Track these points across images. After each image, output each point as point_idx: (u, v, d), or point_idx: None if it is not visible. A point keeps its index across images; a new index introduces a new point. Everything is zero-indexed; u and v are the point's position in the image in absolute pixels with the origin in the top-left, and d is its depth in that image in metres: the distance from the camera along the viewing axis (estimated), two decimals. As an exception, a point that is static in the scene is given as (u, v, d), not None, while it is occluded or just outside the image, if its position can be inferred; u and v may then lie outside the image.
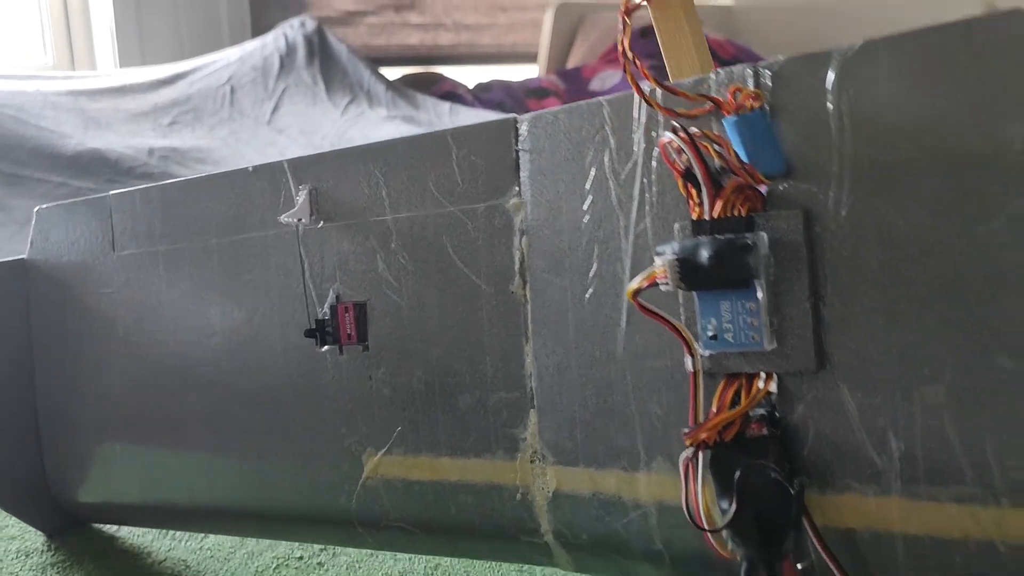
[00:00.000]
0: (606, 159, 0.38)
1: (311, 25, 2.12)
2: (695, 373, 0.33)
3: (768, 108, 0.31)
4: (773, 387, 0.32)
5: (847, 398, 0.30)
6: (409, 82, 2.25)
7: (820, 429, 0.31)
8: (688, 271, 0.32)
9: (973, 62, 0.27)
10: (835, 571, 0.30)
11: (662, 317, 0.33)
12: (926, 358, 0.29)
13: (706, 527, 0.32)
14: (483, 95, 2.28)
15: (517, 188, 0.42)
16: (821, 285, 0.31)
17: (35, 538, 0.74)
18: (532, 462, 0.42)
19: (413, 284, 0.45)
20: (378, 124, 1.93)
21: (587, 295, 0.39)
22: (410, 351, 0.45)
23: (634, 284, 0.33)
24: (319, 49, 2.09)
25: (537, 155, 0.41)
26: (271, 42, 2.09)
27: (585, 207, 0.39)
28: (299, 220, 0.48)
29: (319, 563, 0.71)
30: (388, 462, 0.45)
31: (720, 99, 0.33)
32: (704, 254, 0.31)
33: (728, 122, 0.32)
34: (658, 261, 0.32)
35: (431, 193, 0.44)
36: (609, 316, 0.39)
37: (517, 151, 0.41)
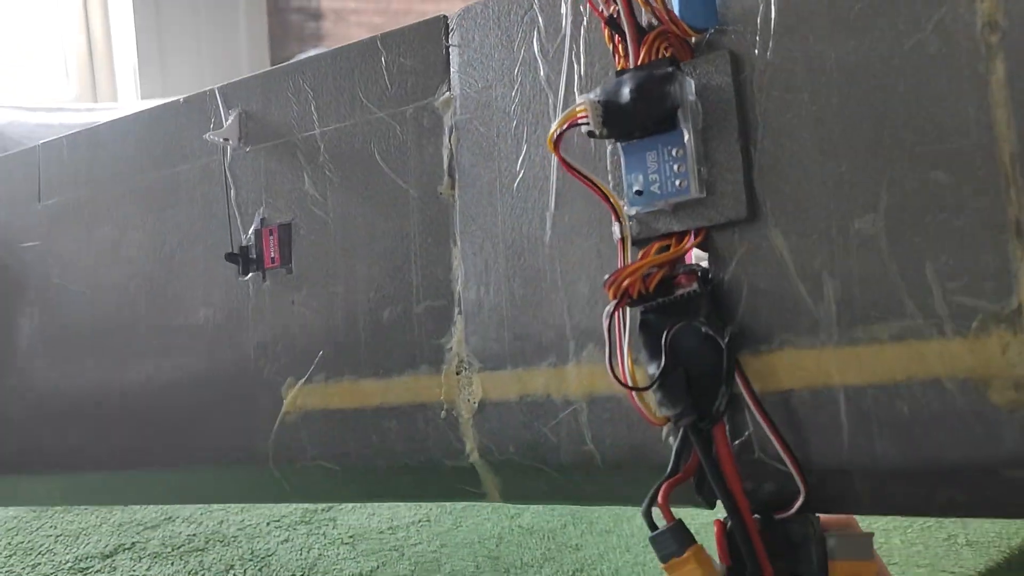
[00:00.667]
0: (535, 39, 0.38)
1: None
2: (622, 239, 0.32)
3: None
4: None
5: (781, 244, 0.29)
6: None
7: (754, 283, 0.30)
8: (611, 112, 0.30)
9: None
10: (771, 435, 0.28)
11: (584, 175, 0.32)
12: (860, 186, 0.28)
13: (631, 385, 0.31)
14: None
15: (447, 85, 0.41)
16: (752, 128, 0.30)
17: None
18: (458, 373, 0.40)
19: (340, 198, 0.44)
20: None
21: (516, 183, 0.39)
22: (335, 269, 0.43)
23: (554, 128, 0.31)
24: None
25: (466, 47, 0.41)
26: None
27: (514, 93, 0.39)
28: (226, 140, 0.46)
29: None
30: (308, 391, 0.42)
31: None
32: (625, 91, 0.30)
33: None
34: (580, 99, 0.31)
35: (360, 101, 0.43)
36: (538, 201, 0.38)
37: (447, 47, 0.41)
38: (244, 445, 0.43)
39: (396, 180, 0.42)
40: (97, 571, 0.76)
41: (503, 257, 0.39)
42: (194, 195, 0.48)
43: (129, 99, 2.10)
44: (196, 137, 0.48)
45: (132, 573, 0.76)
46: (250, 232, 0.45)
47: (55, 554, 0.78)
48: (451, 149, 0.41)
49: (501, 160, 0.39)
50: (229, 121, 0.46)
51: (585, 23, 0.36)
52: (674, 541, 0.30)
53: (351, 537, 0.82)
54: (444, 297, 0.40)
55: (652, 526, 0.30)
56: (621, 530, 0.38)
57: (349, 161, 0.44)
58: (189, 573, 0.76)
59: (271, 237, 0.45)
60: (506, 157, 0.39)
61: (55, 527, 0.82)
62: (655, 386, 0.30)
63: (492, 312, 0.39)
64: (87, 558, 0.77)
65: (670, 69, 0.30)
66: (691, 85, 0.31)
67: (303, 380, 0.42)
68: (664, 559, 0.30)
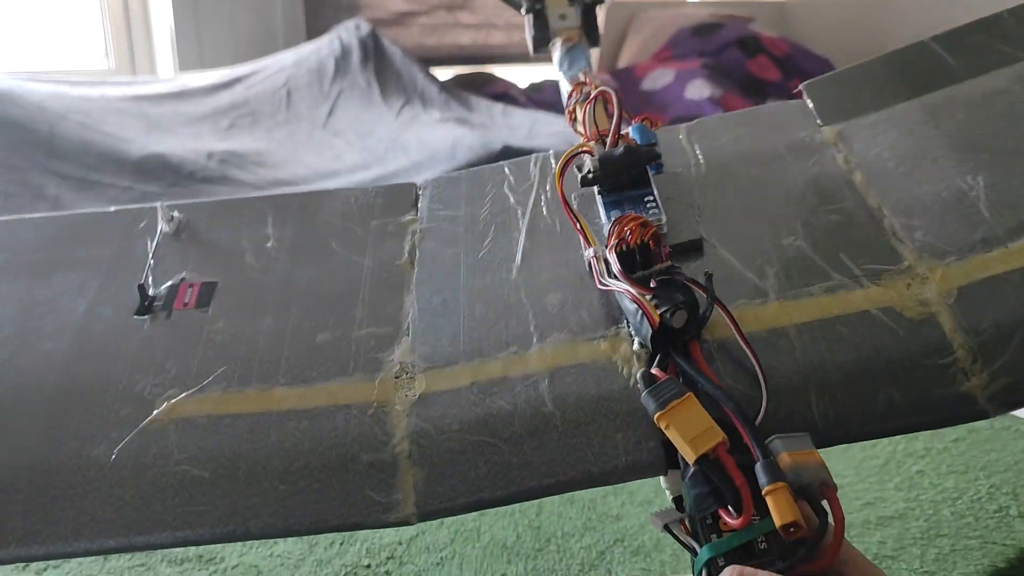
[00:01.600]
0: (504, 184, 0.48)
1: (365, 28, 2.14)
2: (595, 258, 0.40)
3: None
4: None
5: (725, 254, 0.41)
6: (461, 83, 2.26)
7: (714, 274, 0.38)
8: (605, 163, 0.43)
9: None
10: (745, 347, 0.35)
11: (569, 205, 0.41)
12: (783, 224, 0.42)
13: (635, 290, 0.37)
14: (535, 95, 2.28)
15: (415, 211, 0.48)
16: (697, 201, 0.45)
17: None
18: (397, 377, 0.39)
19: (284, 268, 0.46)
20: (432, 127, 1.94)
21: (480, 254, 0.44)
22: (264, 309, 0.43)
23: (561, 160, 0.43)
24: (373, 52, 2.11)
25: (436, 191, 0.50)
26: (326, 45, 2.11)
27: (483, 210, 0.47)
28: (160, 230, 0.48)
29: (386, 571, 0.73)
30: (195, 400, 0.38)
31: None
32: (617, 152, 0.43)
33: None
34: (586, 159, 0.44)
35: (324, 222, 0.49)
36: (503, 261, 0.43)
37: (417, 193, 0.50)
38: (75, 453, 0.37)
39: (351, 257, 0.45)
40: (141, 536, 0.77)
41: (464, 294, 0.42)
42: (103, 267, 0.47)
43: (167, 70, 2.10)
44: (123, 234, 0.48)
45: (175, 538, 0.76)
46: (163, 287, 0.45)
47: (100, 519, 0.79)
48: (413, 243, 0.46)
49: (466, 245, 0.45)
50: (170, 224, 0.48)
51: (550, 177, 0.48)
52: (673, 387, 0.33)
53: (391, 505, 0.82)
54: (391, 325, 0.41)
55: (649, 382, 0.34)
56: (663, 500, 0.37)
57: (302, 249, 0.47)
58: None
59: (189, 289, 0.44)
60: (471, 243, 0.45)
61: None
62: (651, 295, 0.37)
63: (447, 327, 0.40)
64: (131, 523, 0.78)
65: (652, 153, 0.45)
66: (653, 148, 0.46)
67: (192, 390, 0.39)
68: (663, 405, 0.33)
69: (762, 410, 0.34)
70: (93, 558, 0.74)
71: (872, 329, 0.37)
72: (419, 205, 0.49)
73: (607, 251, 0.39)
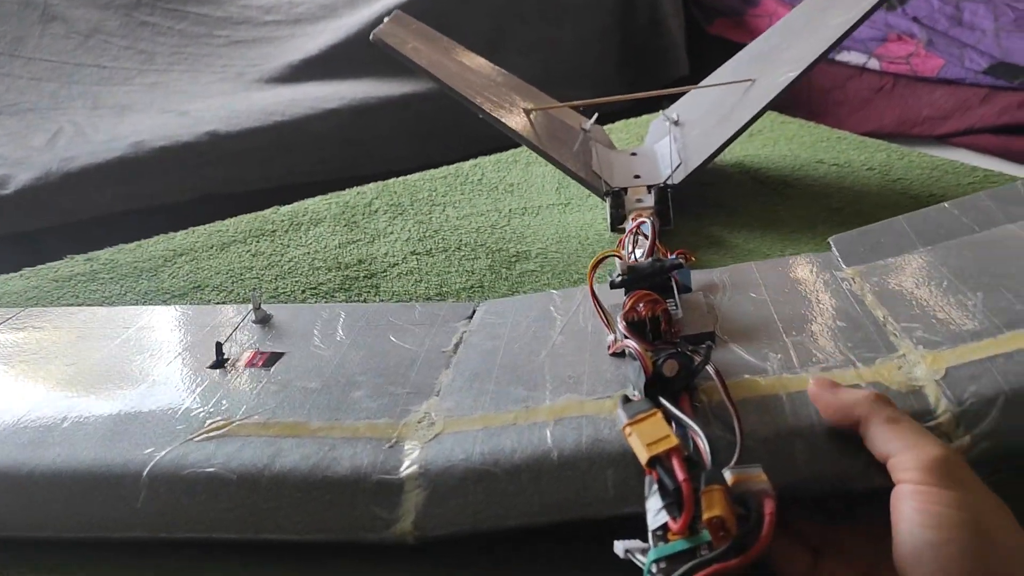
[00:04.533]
0: (550, 304, 0.55)
1: None
2: (614, 342, 0.46)
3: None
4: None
5: (737, 348, 0.45)
6: None
7: (720, 361, 0.43)
8: (633, 272, 0.49)
9: None
10: (726, 399, 0.38)
11: (597, 300, 0.48)
12: (792, 327, 0.46)
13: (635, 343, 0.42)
14: None
15: (468, 322, 0.56)
16: (718, 309, 0.50)
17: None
18: (419, 422, 0.44)
19: (344, 351, 0.53)
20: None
21: (516, 346, 0.51)
22: (318, 374, 0.50)
23: (595, 258, 0.49)
24: None
25: (490, 310, 0.57)
26: None
27: (526, 320, 0.54)
28: (247, 316, 0.58)
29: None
30: (238, 424, 0.45)
31: None
32: (646, 264, 0.50)
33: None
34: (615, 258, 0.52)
35: (388, 324, 0.57)
36: (535, 350, 0.49)
37: (473, 310, 0.58)
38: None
39: (404, 346, 0.53)
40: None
41: (495, 370, 0.48)
42: (195, 341, 0.56)
43: None
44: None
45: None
46: (237, 352, 0.53)
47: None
48: (460, 338, 0.53)
49: (505, 340, 0.52)
50: (257, 314, 0.58)
51: (588, 301, 0.52)
52: (645, 405, 0.37)
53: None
54: (425, 390, 0.47)
55: (625, 402, 0.38)
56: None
57: (364, 340, 0.54)
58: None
59: (260, 355, 0.52)
60: (511, 339, 0.52)
61: (77, 297, 0.77)
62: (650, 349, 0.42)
63: (473, 392, 0.46)
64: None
65: (676, 263, 0.51)
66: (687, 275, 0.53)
67: (235, 419, 0.45)
68: (631, 416, 0.36)
69: (737, 448, 0.36)
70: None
71: None
72: (473, 317, 0.56)
73: (619, 318, 0.44)
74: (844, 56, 1.49)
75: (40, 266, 0.80)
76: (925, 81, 1.40)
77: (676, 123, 0.89)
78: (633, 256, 0.55)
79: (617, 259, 0.50)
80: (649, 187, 0.78)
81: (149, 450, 0.43)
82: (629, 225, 0.62)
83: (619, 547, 0.33)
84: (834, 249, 0.57)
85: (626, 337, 0.43)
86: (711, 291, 0.52)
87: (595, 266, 0.48)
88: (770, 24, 1.55)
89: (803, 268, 0.55)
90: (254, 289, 0.59)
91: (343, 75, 1.49)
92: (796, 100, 1.55)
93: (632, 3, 1.74)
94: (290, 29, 1.57)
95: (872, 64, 1.44)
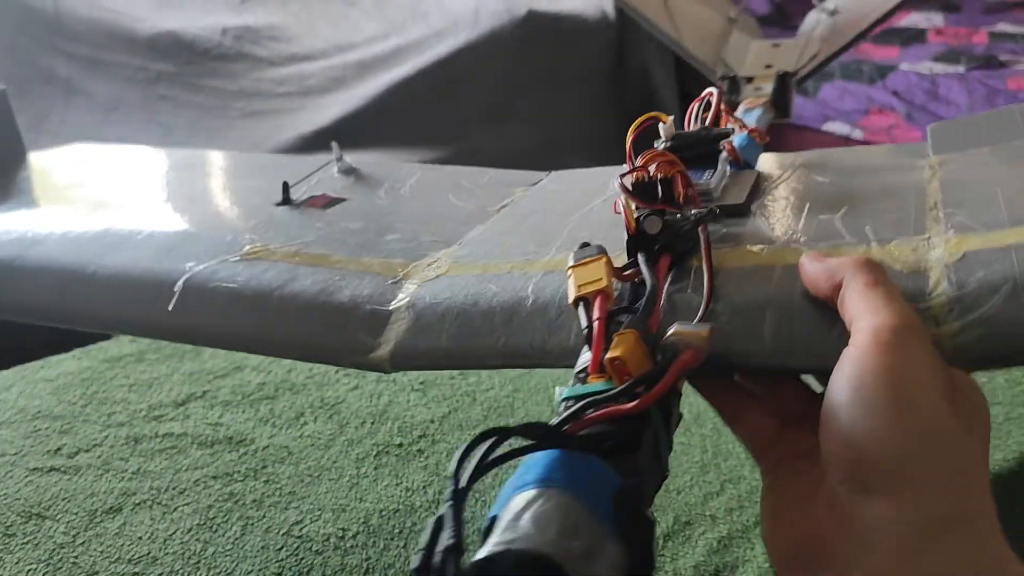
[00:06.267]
0: (613, 180, 0.51)
1: None
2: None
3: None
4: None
5: (762, 222, 0.43)
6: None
7: (733, 231, 0.42)
8: (681, 139, 0.46)
9: None
10: (704, 266, 0.37)
11: (631, 152, 0.43)
12: (826, 205, 0.43)
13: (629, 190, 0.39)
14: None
15: (528, 188, 0.57)
16: (766, 187, 0.48)
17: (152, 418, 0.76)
18: (430, 265, 0.46)
19: (402, 203, 0.55)
20: (453, -8, 1.83)
21: (555, 211, 0.50)
22: (367, 218, 0.52)
23: (635, 124, 0.44)
24: (388, -86, 1.98)
25: (555, 181, 0.57)
26: (338, -92, 1.99)
27: (581, 187, 0.53)
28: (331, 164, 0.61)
29: (419, 450, 0.71)
30: (270, 250, 0.48)
31: None
32: (697, 131, 0.48)
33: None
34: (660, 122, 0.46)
35: None
36: (569, 214, 0.49)
37: (542, 178, 0.58)
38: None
39: (457, 203, 0.55)
40: (171, 418, 0.76)
41: (522, 228, 0.49)
42: (273, 183, 0.59)
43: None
44: None
45: (204, 419, 0.75)
46: (306, 195, 0.57)
47: (129, 403, 0.78)
48: (512, 200, 0.54)
49: (550, 204, 0.52)
50: (340, 164, 0.61)
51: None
52: (595, 250, 0.36)
53: (421, 384, 0.80)
54: (452, 239, 0.49)
55: (582, 245, 0.37)
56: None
57: (425, 195, 0.57)
58: (259, 420, 0.75)
59: (321, 199, 0.56)
60: (556, 204, 0.52)
61: (128, 377, 0.82)
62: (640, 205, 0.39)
63: (492, 244, 0.47)
64: (160, 406, 0.77)
65: (724, 132, 0.47)
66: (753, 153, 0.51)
67: (271, 245, 0.49)
68: (578, 259, 0.36)
69: (701, 309, 0.35)
70: (124, 442, 0.73)
71: None
72: (537, 184, 0.56)
73: (622, 176, 0.41)
74: (829, 126, 1.57)
75: (90, 346, 0.86)
76: (906, 151, 1.48)
77: (832, 13, 0.86)
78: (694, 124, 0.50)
79: (661, 124, 0.46)
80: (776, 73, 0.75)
81: (190, 264, 0.47)
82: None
83: (557, 393, 0.32)
84: (928, 136, 0.52)
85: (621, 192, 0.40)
86: (777, 170, 0.50)
87: (636, 128, 0.44)
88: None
89: (888, 155, 0.52)
90: (334, 142, 0.61)
91: (353, 145, 1.56)
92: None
93: (626, 76, 1.83)
94: (301, 101, 1.64)
95: (856, 134, 1.52)
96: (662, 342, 0.30)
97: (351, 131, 1.57)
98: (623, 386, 0.28)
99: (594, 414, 0.27)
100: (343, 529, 0.63)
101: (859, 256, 0.33)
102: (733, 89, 0.76)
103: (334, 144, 0.61)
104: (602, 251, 0.36)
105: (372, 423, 0.75)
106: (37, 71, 1.54)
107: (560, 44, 1.76)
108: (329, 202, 0.55)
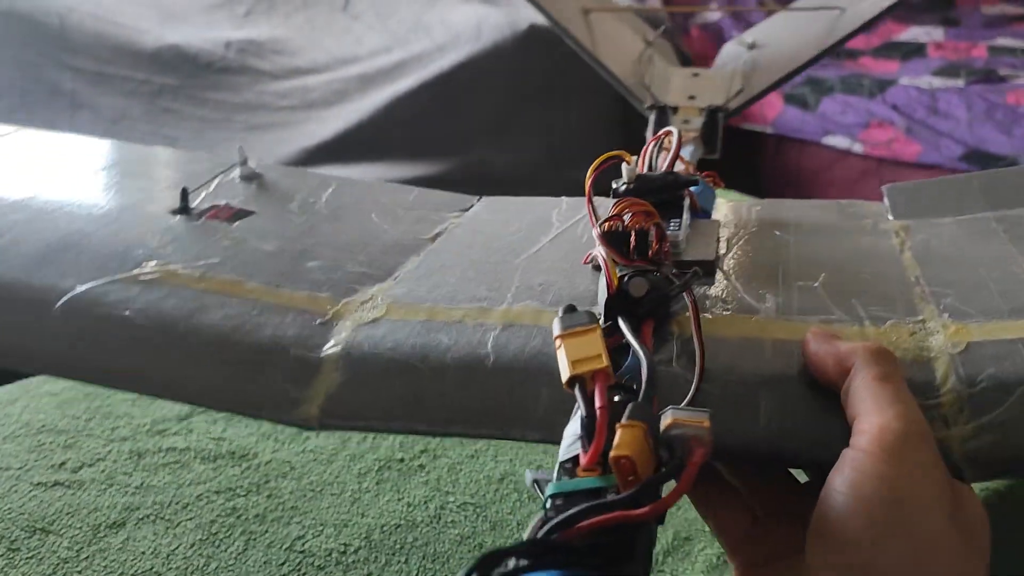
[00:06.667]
0: (556, 210, 0.51)
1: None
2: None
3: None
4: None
5: (736, 283, 0.40)
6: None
7: (710, 294, 0.39)
8: (641, 182, 0.42)
9: None
10: (696, 339, 0.34)
11: (590, 198, 0.41)
12: (802, 272, 0.40)
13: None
14: (563, -31, 2.16)
15: (461, 214, 0.52)
16: (731, 241, 0.45)
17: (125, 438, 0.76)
18: (363, 303, 0.40)
19: (316, 220, 0.49)
20: (455, 6, 1.85)
21: (499, 244, 0.47)
22: (278, 236, 0.46)
23: (594, 165, 0.41)
24: (391, -73, 2.00)
25: (488, 209, 0.54)
26: (341, -78, 2.01)
27: (524, 221, 0.50)
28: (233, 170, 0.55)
29: (420, 465, 0.72)
30: (170, 272, 0.42)
31: None
32: (657, 176, 0.44)
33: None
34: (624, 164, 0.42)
35: None
36: (518, 250, 0.45)
37: (474, 203, 0.54)
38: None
39: (382, 226, 0.49)
40: (174, 433, 0.76)
41: (464, 265, 0.44)
42: (170, 185, 0.54)
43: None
44: None
45: (207, 434, 0.76)
46: (206, 203, 0.50)
47: (132, 417, 0.78)
48: (446, 228, 0.50)
49: (490, 236, 0.48)
50: (243, 169, 0.54)
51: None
52: (585, 317, 0.32)
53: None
54: (384, 271, 0.43)
55: (567, 311, 0.33)
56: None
57: (343, 214, 0.51)
58: (262, 434, 0.76)
59: (224, 210, 0.49)
60: (496, 236, 0.48)
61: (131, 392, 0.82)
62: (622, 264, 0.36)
63: (433, 282, 0.42)
64: (164, 420, 0.78)
65: (691, 179, 0.44)
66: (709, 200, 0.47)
67: (170, 265, 0.42)
68: (566, 328, 0.31)
69: (692, 387, 0.32)
70: (127, 456, 0.74)
71: None
72: (469, 210, 0.52)
73: (596, 224, 0.38)
74: (830, 140, 1.58)
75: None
76: (906, 165, 1.48)
77: (751, 47, 0.84)
78: (648, 167, 0.46)
79: (624, 164, 0.42)
80: (701, 109, 0.72)
81: (70, 281, 0.40)
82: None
83: (528, 476, 0.30)
84: (885, 199, 0.50)
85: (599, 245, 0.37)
86: (734, 223, 0.47)
87: (596, 168, 0.41)
88: (760, 112, 1.64)
89: (845, 213, 0.49)
90: (240, 146, 0.54)
91: (355, 159, 1.57)
92: (787, 180, 1.64)
93: (629, 88, 1.84)
94: (304, 114, 1.65)
95: (856, 148, 1.53)
96: (664, 434, 0.27)
97: (354, 144, 1.59)
98: (633, 491, 0.25)
99: (595, 520, 0.24)
100: (345, 544, 0.63)
101: (872, 344, 0.31)
102: (662, 120, 0.72)
103: (240, 147, 0.55)
104: (593, 319, 0.32)
105: (374, 438, 0.75)
106: (43, 84, 1.55)
107: (562, 58, 1.78)
108: (235, 214, 0.48)
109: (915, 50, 1.69)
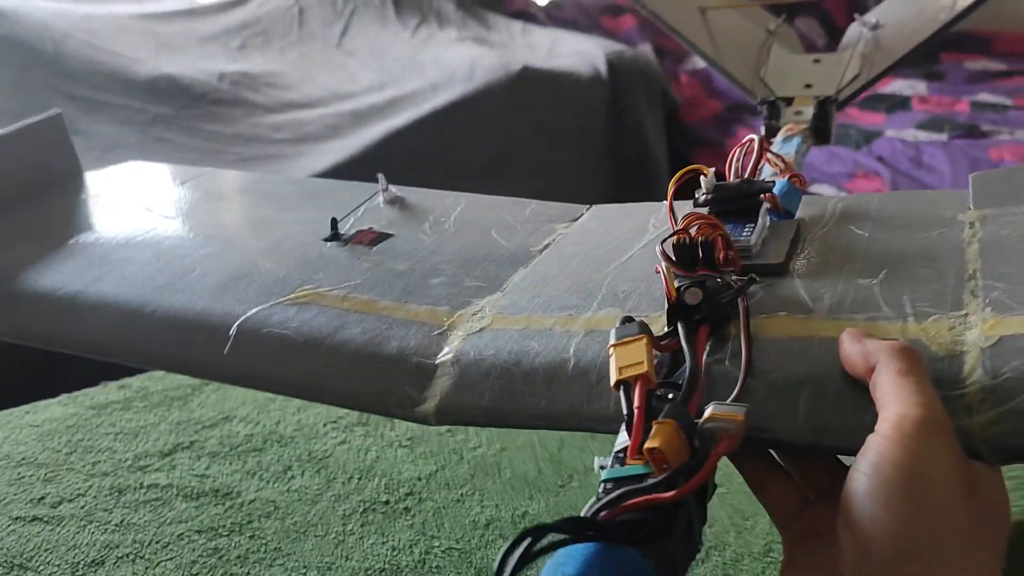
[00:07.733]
0: (653, 217, 0.54)
1: (377, -57, 2.05)
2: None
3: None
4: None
5: (798, 283, 0.42)
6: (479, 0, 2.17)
7: (772, 295, 0.41)
8: (720, 191, 0.46)
9: None
10: (743, 341, 0.37)
11: (672, 210, 0.45)
12: (868, 270, 0.42)
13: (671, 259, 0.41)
14: (555, 13, 2.19)
15: (570, 224, 0.56)
16: (798, 242, 0.46)
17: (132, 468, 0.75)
18: (474, 315, 0.46)
19: (445, 239, 0.56)
20: (449, 46, 1.87)
21: (598, 254, 0.50)
22: (411, 258, 0.53)
23: (675, 179, 0.45)
24: (387, -33, 2.03)
25: (595, 219, 0.57)
26: (338, -40, 2.03)
27: (622, 228, 0.53)
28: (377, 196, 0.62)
29: (405, 508, 0.71)
30: (319, 294, 0.49)
31: None
32: (734, 184, 0.47)
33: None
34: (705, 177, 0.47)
35: None
36: (611, 259, 0.49)
37: (584, 212, 0.58)
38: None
39: (499, 242, 0.55)
40: (156, 469, 0.76)
41: (563, 276, 0.48)
42: (322, 215, 0.61)
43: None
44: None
45: (190, 471, 0.75)
46: (353, 230, 0.57)
47: (115, 452, 0.78)
48: (553, 240, 0.54)
49: (592, 247, 0.52)
50: (385, 195, 0.62)
51: None
52: (635, 329, 0.37)
53: (409, 440, 0.80)
54: (494, 284, 0.49)
55: (623, 322, 0.38)
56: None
57: (467, 231, 0.57)
58: (247, 472, 0.75)
59: (366, 234, 0.56)
60: (597, 246, 0.52)
61: (114, 424, 0.81)
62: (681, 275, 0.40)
63: (534, 293, 0.47)
64: (146, 456, 0.77)
65: (765, 186, 0.47)
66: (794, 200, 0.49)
67: (320, 288, 0.50)
68: (618, 338, 0.36)
69: (738, 386, 0.36)
70: (108, 492, 0.73)
71: None
72: (579, 221, 0.56)
73: (662, 241, 0.41)
74: (816, 188, 1.60)
75: (76, 392, 0.85)
76: (891, 216, 1.51)
77: (874, 28, 0.82)
78: (735, 173, 0.50)
79: (702, 176, 0.47)
80: (815, 99, 0.72)
81: (243, 307, 0.48)
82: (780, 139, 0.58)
83: (596, 463, 0.34)
84: (970, 187, 0.50)
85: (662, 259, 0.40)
86: (818, 220, 0.48)
87: (677, 181, 0.45)
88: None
89: (928, 203, 0.50)
90: (380, 173, 0.62)
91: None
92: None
93: (620, 131, 1.86)
94: (297, 148, 1.66)
95: (842, 197, 1.56)
96: (700, 427, 0.31)
97: (346, 179, 1.59)
98: (662, 477, 0.29)
99: (632, 502, 0.29)
100: (328, 588, 0.63)
101: (896, 342, 0.34)
102: (773, 114, 0.73)
103: (380, 176, 0.62)
104: (644, 329, 0.36)
105: (359, 479, 0.74)
106: (37, 110, 1.55)
107: (554, 100, 1.80)
108: (376, 238, 0.56)
109: (900, 103, 1.72)
